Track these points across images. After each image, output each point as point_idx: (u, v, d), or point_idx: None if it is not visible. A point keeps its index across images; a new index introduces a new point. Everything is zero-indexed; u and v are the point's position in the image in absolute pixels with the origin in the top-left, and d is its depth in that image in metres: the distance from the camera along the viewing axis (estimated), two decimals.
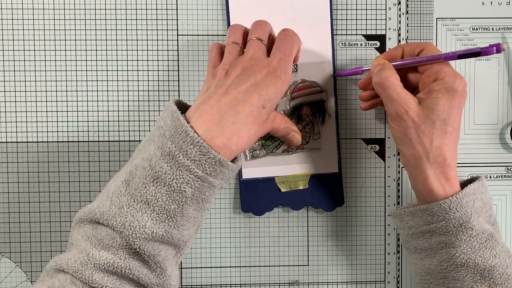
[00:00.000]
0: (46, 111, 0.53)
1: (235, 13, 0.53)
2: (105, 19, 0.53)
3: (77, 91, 0.53)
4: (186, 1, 0.53)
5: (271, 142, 0.53)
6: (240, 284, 0.55)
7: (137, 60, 0.53)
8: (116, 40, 0.53)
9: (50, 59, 0.53)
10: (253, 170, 0.53)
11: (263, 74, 0.43)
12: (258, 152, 0.53)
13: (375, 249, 0.56)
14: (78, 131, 0.53)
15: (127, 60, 0.53)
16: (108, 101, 0.53)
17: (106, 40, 0.53)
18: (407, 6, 0.54)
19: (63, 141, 0.53)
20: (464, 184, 0.46)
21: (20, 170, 0.53)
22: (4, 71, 0.53)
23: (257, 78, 0.42)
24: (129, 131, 0.54)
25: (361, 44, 0.54)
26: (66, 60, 0.53)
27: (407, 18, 0.54)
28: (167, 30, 0.53)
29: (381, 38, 0.54)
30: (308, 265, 0.56)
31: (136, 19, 0.53)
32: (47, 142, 0.53)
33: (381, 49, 0.54)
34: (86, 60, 0.53)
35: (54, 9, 0.53)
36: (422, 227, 0.45)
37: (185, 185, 0.39)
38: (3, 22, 0.52)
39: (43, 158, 0.53)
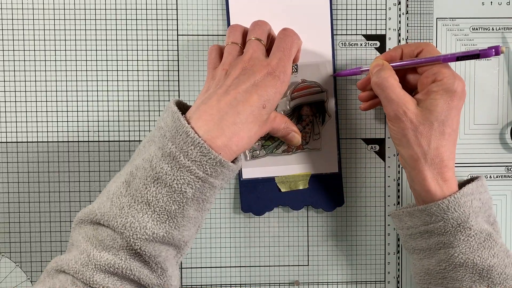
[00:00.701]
0: (46, 111, 0.53)
1: (235, 13, 0.53)
2: (105, 19, 0.53)
3: (77, 91, 0.53)
4: (186, 1, 0.53)
5: (271, 142, 0.53)
6: (240, 284, 0.55)
7: (137, 60, 0.53)
8: (116, 40, 0.53)
9: (50, 59, 0.53)
10: (253, 170, 0.53)
11: (262, 74, 0.43)
12: (258, 152, 0.53)
13: (375, 249, 0.56)
14: (78, 131, 0.53)
15: (127, 60, 0.53)
16: (108, 101, 0.53)
17: (106, 40, 0.53)
18: (407, 6, 0.54)
19: (63, 141, 0.53)
20: (462, 185, 0.46)
21: (20, 170, 0.53)
22: (4, 71, 0.53)
23: (257, 78, 0.42)
24: (129, 131, 0.54)
25: (361, 44, 0.54)
26: (66, 60, 0.53)
27: (407, 18, 0.54)
28: (167, 30, 0.53)
29: (381, 38, 0.54)
30: (308, 265, 0.56)
31: (136, 19, 0.53)
32: (47, 142, 0.53)
33: (381, 49, 0.54)
34: (86, 60, 0.53)
35: (54, 9, 0.53)
36: (421, 228, 0.45)
37: (186, 186, 0.39)
38: (3, 22, 0.52)
39: (43, 158, 0.53)
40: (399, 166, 0.55)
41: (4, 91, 0.53)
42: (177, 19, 0.54)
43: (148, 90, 0.53)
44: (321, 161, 0.54)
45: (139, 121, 0.54)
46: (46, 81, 0.53)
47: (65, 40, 0.53)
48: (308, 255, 0.56)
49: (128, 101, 0.53)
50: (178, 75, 0.54)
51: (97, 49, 0.53)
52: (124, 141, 0.54)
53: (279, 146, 0.53)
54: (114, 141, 0.54)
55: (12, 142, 0.53)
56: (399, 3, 0.54)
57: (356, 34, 0.54)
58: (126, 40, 0.53)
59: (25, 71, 0.53)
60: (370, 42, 0.54)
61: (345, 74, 0.52)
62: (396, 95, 0.44)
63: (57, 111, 0.53)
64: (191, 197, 0.40)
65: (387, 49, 0.54)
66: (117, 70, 0.53)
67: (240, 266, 0.55)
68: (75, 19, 0.53)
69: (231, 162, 0.42)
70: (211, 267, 0.55)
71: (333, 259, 0.56)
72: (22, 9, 0.53)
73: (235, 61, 0.44)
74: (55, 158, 0.53)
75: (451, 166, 0.44)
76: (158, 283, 0.41)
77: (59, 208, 0.54)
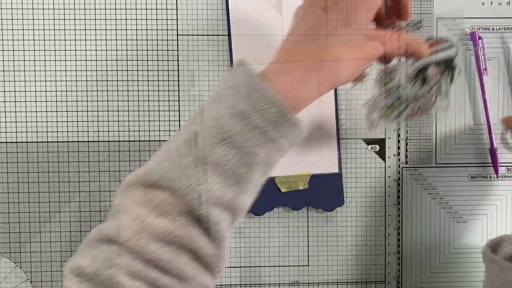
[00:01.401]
0: (46, 111, 0.53)
1: (235, 14, 0.52)
2: (105, 19, 0.53)
3: (77, 91, 0.53)
4: (186, 1, 0.53)
5: (391, 110, 0.48)
6: (240, 284, 0.55)
7: (137, 60, 0.53)
8: (116, 40, 0.53)
9: (50, 59, 0.53)
10: None
11: None
12: (376, 123, 0.48)
13: (375, 249, 0.56)
14: (78, 131, 0.53)
15: (127, 60, 0.53)
16: (108, 101, 0.53)
17: (106, 40, 0.53)
18: None
19: (63, 141, 0.53)
20: None
21: (20, 170, 0.53)
22: (4, 71, 0.53)
23: None
24: (129, 131, 0.54)
25: None
26: (66, 60, 0.53)
27: None
28: (167, 30, 0.53)
29: None
30: (308, 265, 0.56)
31: (136, 19, 0.53)
32: (47, 142, 0.53)
33: None
34: (86, 60, 0.53)
35: (54, 9, 0.53)
36: None
37: (257, 148, 0.36)
38: (3, 22, 0.52)
39: (43, 158, 0.53)
40: (399, 166, 0.55)
41: (4, 91, 0.53)
42: (177, 19, 0.53)
43: (148, 90, 0.53)
44: (321, 161, 0.54)
45: (139, 121, 0.54)
46: (46, 81, 0.53)
47: (65, 40, 0.53)
48: (308, 255, 0.56)
49: (128, 101, 0.53)
50: (178, 75, 0.54)
51: (97, 49, 0.53)
52: (124, 141, 0.54)
53: (402, 112, 0.47)
54: (114, 141, 0.54)
55: (12, 142, 0.53)
56: None
57: (356, 34, 0.54)
58: (126, 40, 0.53)
59: (25, 71, 0.53)
60: None
61: None
62: None
63: (57, 111, 0.53)
64: (260, 160, 0.36)
65: None
66: (117, 70, 0.53)
67: (240, 266, 0.55)
68: (75, 19, 0.53)
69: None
70: None
71: (333, 259, 0.56)
72: (22, 9, 0.53)
73: None
74: (55, 158, 0.53)
75: None
76: (215, 254, 0.37)
77: (58, 208, 0.54)
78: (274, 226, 0.55)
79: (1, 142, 0.53)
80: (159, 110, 0.54)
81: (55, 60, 0.53)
